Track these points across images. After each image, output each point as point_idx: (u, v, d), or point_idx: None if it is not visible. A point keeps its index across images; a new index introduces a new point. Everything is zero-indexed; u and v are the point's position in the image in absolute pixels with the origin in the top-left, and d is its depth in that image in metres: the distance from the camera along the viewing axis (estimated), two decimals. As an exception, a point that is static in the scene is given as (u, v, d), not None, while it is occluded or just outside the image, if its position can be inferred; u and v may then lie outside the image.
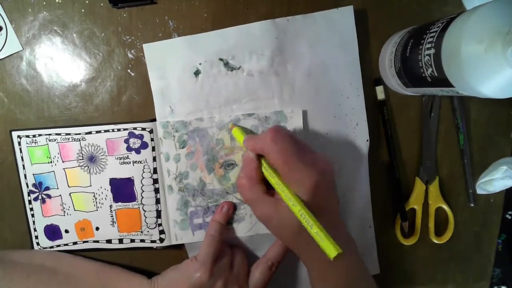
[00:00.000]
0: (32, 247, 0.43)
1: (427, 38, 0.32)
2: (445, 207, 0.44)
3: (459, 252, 0.46)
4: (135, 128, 0.41)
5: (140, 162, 0.41)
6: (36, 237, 0.43)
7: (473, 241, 0.46)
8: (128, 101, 0.42)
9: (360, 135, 0.42)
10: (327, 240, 0.29)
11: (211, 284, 0.37)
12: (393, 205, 0.45)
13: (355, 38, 0.40)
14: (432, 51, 0.31)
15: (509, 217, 0.48)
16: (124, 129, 0.41)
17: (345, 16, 0.40)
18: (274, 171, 0.34)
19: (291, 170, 0.33)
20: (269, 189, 0.35)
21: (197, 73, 0.40)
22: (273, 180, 0.34)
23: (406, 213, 0.44)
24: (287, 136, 0.34)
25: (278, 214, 0.33)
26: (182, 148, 0.41)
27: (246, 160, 0.36)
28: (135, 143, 0.41)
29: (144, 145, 0.41)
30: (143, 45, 0.40)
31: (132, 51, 0.41)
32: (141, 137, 0.41)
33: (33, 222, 0.43)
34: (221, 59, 0.40)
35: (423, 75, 0.33)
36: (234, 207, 0.41)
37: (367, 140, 0.42)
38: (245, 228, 0.42)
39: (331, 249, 0.29)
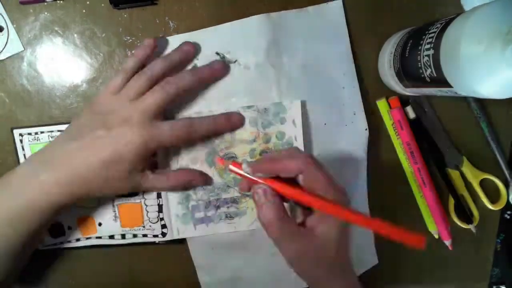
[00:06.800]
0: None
1: (426, 39, 0.32)
2: (486, 176, 0.44)
3: (458, 252, 0.46)
4: None
5: None
6: None
7: (472, 240, 0.46)
8: (129, 101, 0.42)
9: (358, 124, 0.42)
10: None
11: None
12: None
13: (346, 30, 0.41)
14: (431, 51, 0.31)
15: (508, 217, 0.48)
16: None
17: (335, 9, 0.41)
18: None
19: (336, 191, 0.31)
20: None
21: (194, 68, 0.40)
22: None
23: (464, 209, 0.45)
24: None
25: (314, 244, 0.31)
26: None
27: (265, 193, 0.32)
28: None
29: None
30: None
31: (133, 51, 0.42)
32: None
33: None
34: (217, 54, 0.40)
35: (422, 75, 0.34)
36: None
37: (366, 129, 0.42)
38: (246, 222, 0.42)
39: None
